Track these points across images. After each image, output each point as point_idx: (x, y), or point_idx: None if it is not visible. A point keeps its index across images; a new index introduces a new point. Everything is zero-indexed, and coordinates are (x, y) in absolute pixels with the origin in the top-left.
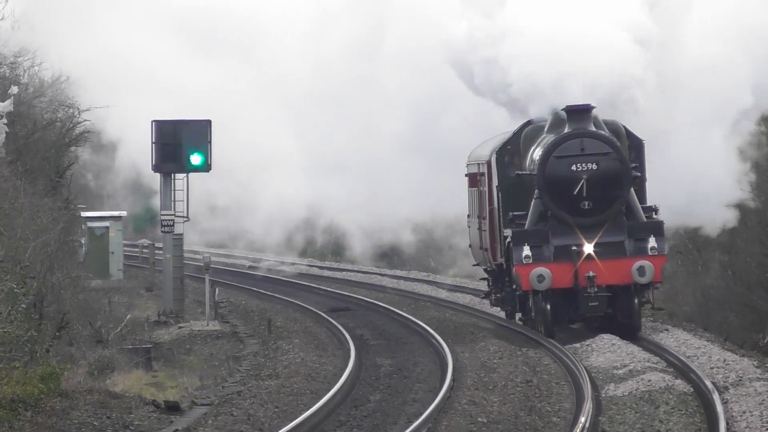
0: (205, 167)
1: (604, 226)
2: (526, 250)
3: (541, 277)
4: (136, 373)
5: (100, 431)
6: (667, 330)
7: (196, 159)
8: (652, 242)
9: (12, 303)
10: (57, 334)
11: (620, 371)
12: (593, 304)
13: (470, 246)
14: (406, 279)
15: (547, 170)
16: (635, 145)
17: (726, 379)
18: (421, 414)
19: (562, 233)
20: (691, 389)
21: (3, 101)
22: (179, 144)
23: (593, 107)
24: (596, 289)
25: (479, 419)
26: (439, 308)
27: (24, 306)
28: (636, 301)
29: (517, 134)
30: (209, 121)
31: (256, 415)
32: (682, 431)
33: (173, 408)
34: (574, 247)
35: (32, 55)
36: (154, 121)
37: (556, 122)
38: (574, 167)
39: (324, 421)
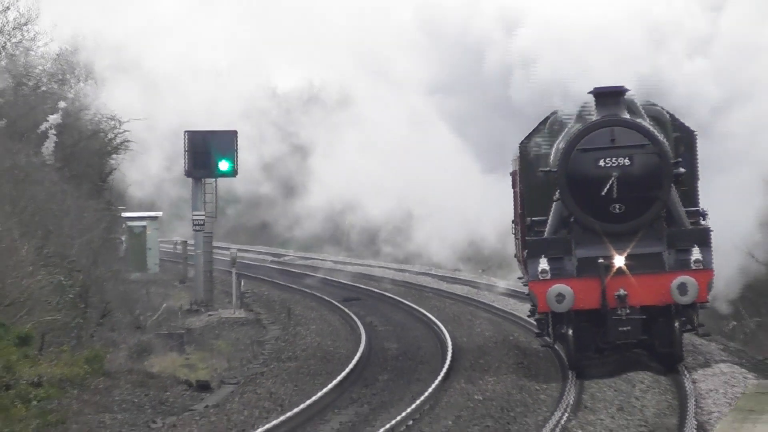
0: (233, 173)
1: (638, 234)
2: (543, 264)
3: (560, 297)
4: (170, 355)
5: (139, 407)
6: None
7: (224, 165)
8: (696, 254)
9: (60, 294)
10: (100, 321)
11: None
12: (625, 328)
13: (514, 256)
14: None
15: (569, 166)
16: (684, 137)
17: (695, 361)
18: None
19: (588, 243)
20: (664, 370)
21: (53, 114)
22: (209, 152)
23: (627, 89)
24: (628, 311)
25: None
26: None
27: (71, 296)
28: (677, 325)
29: (542, 124)
30: (235, 132)
31: (278, 392)
32: (656, 407)
33: (204, 387)
34: (601, 260)
35: (78, 72)
36: (187, 132)
37: (587, 110)
38: (602, 162)
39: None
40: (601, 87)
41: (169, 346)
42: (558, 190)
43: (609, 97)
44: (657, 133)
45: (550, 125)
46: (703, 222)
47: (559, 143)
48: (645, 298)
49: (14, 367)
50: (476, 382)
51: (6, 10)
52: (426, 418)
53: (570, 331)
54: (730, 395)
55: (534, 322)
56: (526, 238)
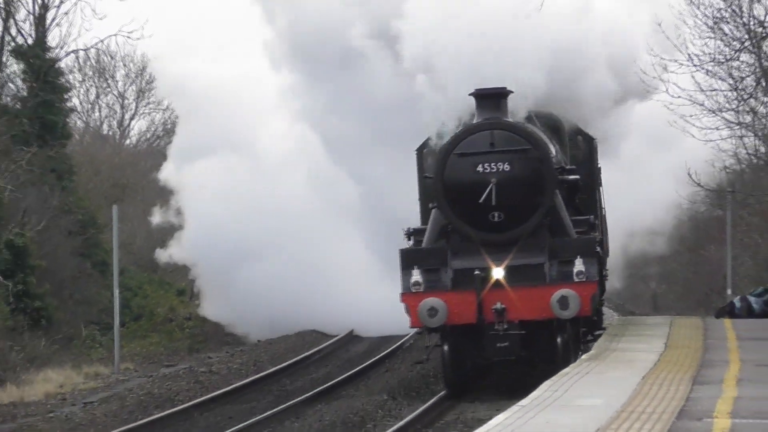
0: None
1: (518, 244)
2: (416, 275)
3: (433, 311)
4: None
5: None
6: None
7: None
8: (579, 265)
9: None
10: None
11: None
12: (503, 344)
13: None
14: None
15: (446, 172)
16: (583, 144)
17: None
18: None
19: (465, 253)
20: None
21: None
22: None
23: (509, 91)
24: (506, 326)
25: None
26: None
27: None
28: (559, 340)
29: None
30: None
31: None
32: None
33: None
34: (477, 272)
35: None
36: None
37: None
38: (480, 168)
39: None
40: (482, 88)
41: None
42: (436, 197)
43: (490, 99)
44: (540, 137)
45: (438, 132)
46: (595, 233)
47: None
48: (524, 312)
49: (175, 308)
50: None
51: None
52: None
53: (445, 347)
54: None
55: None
56: (400, 249)
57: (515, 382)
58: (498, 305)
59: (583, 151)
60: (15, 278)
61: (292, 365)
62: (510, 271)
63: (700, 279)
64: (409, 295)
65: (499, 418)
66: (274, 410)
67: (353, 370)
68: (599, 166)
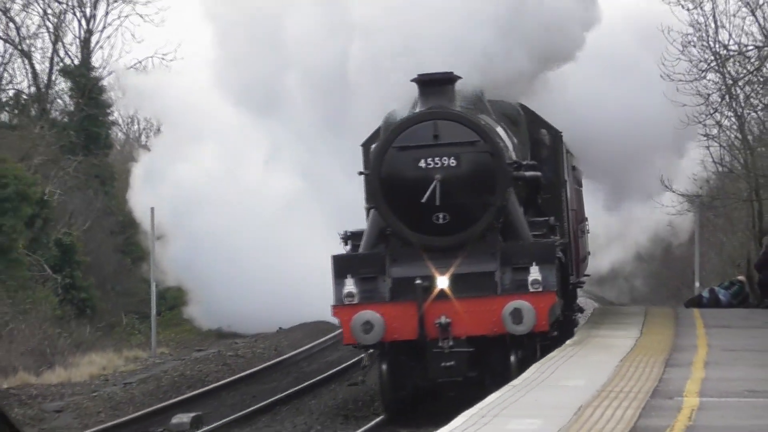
0: None
1: (466, 249)
2: (349, 285)
3: (368, 325)
4: None
5: None
6: None
7: None
8: (534, 273)
9: None
10: None
11: None
12: (447, 364)
13: None
14: None
15: (384, 167)
16: (542, 137)
17: None
18: None
19: (406, 260)
20: None
21: None
22: None
23: (457, 77)
24: (452, 343)
25: None
26: None
27: None
28: (513, 359)
29: (384, 122)
30: None
31: None
32: None
33: None
34: (419, 281)
35: None
36: None
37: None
38: (422, 163)
39: None
40: (426, 74)
41: None
42: (372, 197)
43: (435, 85)
44: (491, 128)
45: (386, 119)
46: (555, 236)
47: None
48: (472, 327)
49: None
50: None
51: None
52: None
53: (383, 366)
54: (585, 315)
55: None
56: (332, 255)
57: (464, 405)
58: (442, 319)
59: (549, 145)
60: (63, 272)
61: (308, 350)
62: (456, 280)
63: (671, 273)
64: (341, 307)
65: (494, 396)
66: (294, 389)
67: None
68: (577, 167)
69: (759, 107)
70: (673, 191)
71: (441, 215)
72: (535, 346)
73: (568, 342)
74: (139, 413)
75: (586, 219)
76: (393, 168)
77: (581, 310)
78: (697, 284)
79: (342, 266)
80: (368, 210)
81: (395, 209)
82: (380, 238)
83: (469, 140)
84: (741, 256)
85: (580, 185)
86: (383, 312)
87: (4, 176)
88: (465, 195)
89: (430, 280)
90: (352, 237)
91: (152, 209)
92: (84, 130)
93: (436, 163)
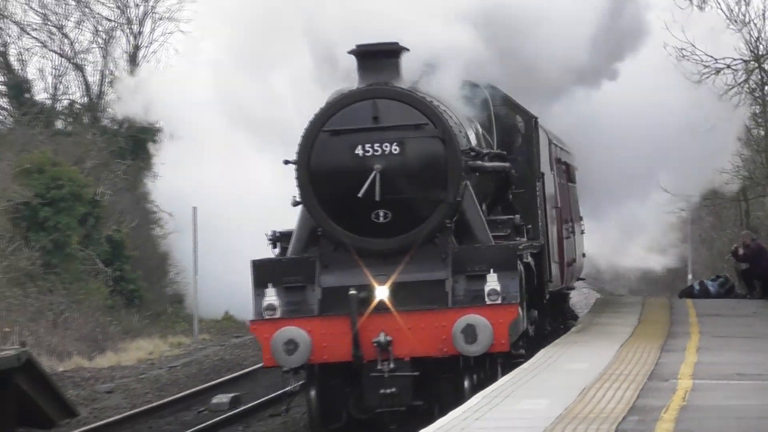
0: None
1: (411, 253)
2: (270, 297)
3: (291, 344)
4: None
5: None
6: None
7: None
8: (492, 282)
9: None
10: None
11: None
12: (387, 391)
13: None
14: None
15: (313, 155)
16: (516, 123)
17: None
18: None
19: (339, 266)
20: None
21: None
22: None
23: (403, 48)
24: (393, 366)
25: None
26: None
27: None
28: (467, 385)
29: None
30: None
31: None
32: None
33: None
34: (353, 291)
35: None
36: None
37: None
38: (360, 150)
39: None
40: (365, 44)
41: None
42: (300, 190)
43: (376, 58)
44: (444, 109)
45: (329, 100)
46: (521, 237)
47: None
48: (417, 346)
49: None
50: None
51: None
52: None
53: (312, 393)
54: (588, 304)
55: None
56: (252, 260)
57: None
58: (381, 337)
59: (522, 132)
60: (113, 266)
61: None
62: (398, 290)
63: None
64: (260, 323)
65: (507, 377)
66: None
67: None
68: (571, 163)
69: (746, 116)
70: (669, 192)
71: (381, 213)
72: (496, 368)
73: (572, 329)
74: (183, 394)
75: (581, 218)
76: (324, 156)
77: (575, 317)
78: (689, 277)
79: (262, 274)
80: (296, 206)
81: (326, 206)
82: (311, 240)
83: (415, 123)
84: (729, 251)
85: (572, 181)
86: (311, 328)
87: (60, 178)
88: (410, 189)
89: (368, 290)
90: (281, 238)
91: (194, 209)
92: (132, 137)
93: (376, 151)
